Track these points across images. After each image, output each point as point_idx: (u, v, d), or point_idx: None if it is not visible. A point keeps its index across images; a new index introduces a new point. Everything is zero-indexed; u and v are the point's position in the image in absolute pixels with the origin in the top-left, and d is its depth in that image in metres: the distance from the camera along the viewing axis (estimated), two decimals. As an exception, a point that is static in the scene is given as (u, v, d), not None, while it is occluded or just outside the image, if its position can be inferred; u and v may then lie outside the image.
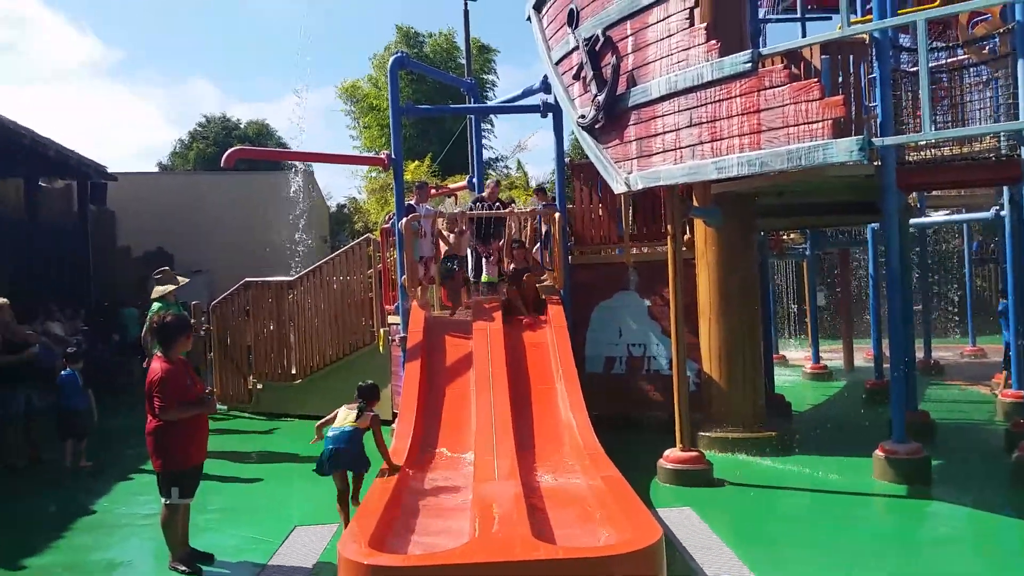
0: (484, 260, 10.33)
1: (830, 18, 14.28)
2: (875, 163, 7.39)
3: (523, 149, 33.06)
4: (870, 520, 6.56)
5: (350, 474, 6.07)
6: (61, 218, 19.97)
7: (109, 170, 21.09)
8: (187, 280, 9.37)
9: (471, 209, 10.54)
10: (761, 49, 6.61)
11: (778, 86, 6.32)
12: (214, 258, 23.29)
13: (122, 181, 22.41)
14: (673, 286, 7.61)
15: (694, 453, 7.59)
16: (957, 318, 21.98)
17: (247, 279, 12.02)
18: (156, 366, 5.37)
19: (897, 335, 7.62)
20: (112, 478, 8.31)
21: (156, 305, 8.77)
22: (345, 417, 6.10)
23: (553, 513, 5.49)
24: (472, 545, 4.37)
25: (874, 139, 6.33)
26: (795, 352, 17.95)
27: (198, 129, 40.73)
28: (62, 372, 8.91)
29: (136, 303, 20.73)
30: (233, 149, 9.20)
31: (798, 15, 13.33)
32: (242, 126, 41.11)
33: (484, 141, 24.66)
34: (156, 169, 38.59)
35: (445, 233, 10.40)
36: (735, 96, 6.59)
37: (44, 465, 8.88)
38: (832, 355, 15.83)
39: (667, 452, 7.68)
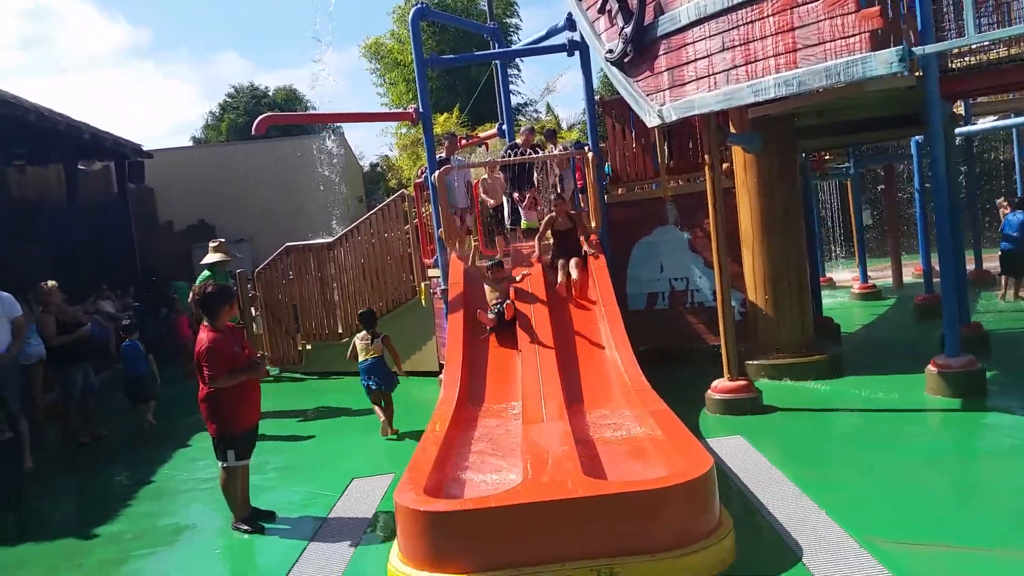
0: (520, 207, 10.22)
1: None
2: (916, 73, 7.10)
3: (552, 91, 32.61)
4: (924, 436, 6.47)
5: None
6: (102, 199, 20.36)
7: (144, 148, 21.37)
8: (239, 256, 9.57)
9: (505, 156, 10.40)
10: (791, -38, 6.30)
11: (812, 1, 6.08)
12: (254, 226, 23.60)
13: (158, 158, 22.69)
14: (714, 217, 7.47)
15: (742, 382, 7.54)
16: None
17: (288, 244, 12.15)
18: (203, 336, 5.47)
19: (946, 247, 7.40)
20: (171, 446, 8.57)
21: (205, 273, 9.17)
22: (364, 350, 8.09)
23: (603, 449, 5.52)
24: (524, 486, 4.42)
25: (914, 48, 6.03)
26: (842, 273, 17.64)
27: (227, 100, 40.93)
28: (124, 343, 9.50)
29: (184, 276, 21.21)
30: (263, 116, 9.18)
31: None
32: (271, 94, 41.20)
33: (511, 87, 24.29)
34: (190, 143, 39.03)
35: (489, 181, 10.36)
36: (768, 15, 6.36)
37: (106, 440, 9.19)
38: (880, 274, 15.53)
39: (715, 383, 7.64)
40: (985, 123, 14.15)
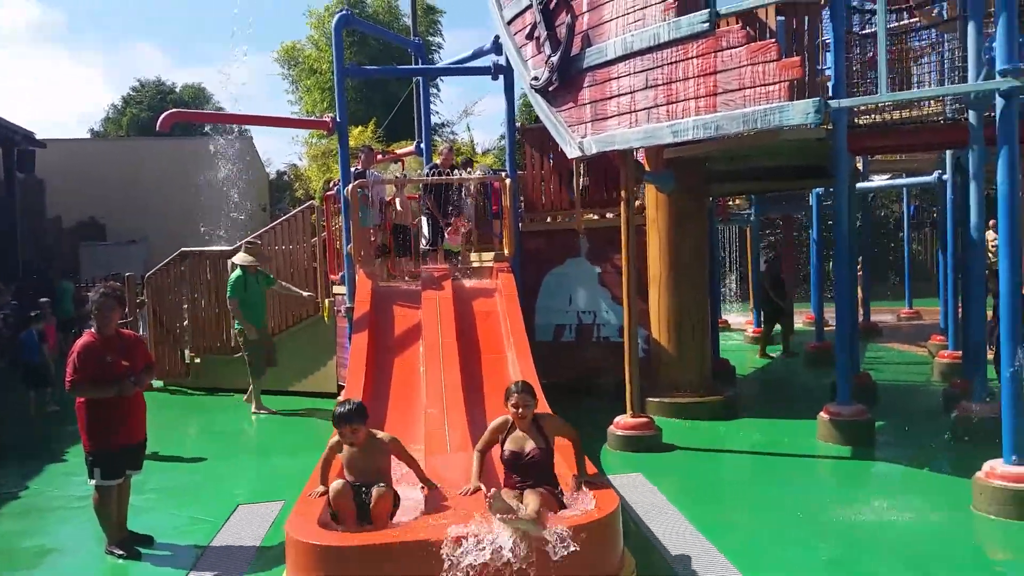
0: (444, 229, 9.95)
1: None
2: (827, 126, 7.38)
3: (470, 114, 32.63)
4: (815, 481, 6.65)
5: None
6: (-15, 187, 19.00)
7: (40, 136, 20.09)
8: (261, 258, 9.79)
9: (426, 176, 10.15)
10: (719, 8, 6.44)
11: (735, 47, 6.20)
12: (149, 226, 22.54)
13: (51, 148, 21.44)
14: (626, 252, 7.51)
15: (643, 419, 7.58)
16: (895, 281, 22.57)
17: (183, 249, 11.53)
18: (79, 340, 5.08)
19: (843, 298, 7.65)
20: (45, 458, 7.90)
21: (236, 273, 9.57)
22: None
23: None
24: (424, 521, 4.21)
25: (830, 101, 6.25)
26: (736, 317, 18.18)
27: (132, 94, 39.17)
28: (22, 333, 10.42)
29: (68, 275, 19.92)
30: (169, 112, 8.71)
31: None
32: (178, 90, 39.67)
33: (430, 106, 24.20)
34: (88, 136, 37.03)
35: (398, 197, 10.11)
36: (692, 57, 6.44)
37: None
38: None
39: (617, 419, 7.65)
40: (880, 180, 14.94)
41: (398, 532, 4.12)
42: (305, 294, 10.09)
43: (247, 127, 29.11)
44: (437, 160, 10.35)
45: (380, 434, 4.81)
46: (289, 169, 32.54)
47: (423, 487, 4.81)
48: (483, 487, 4.66)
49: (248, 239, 9.91)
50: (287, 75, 31.62)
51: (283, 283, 10.09)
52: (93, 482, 5.15)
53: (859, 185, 12.72)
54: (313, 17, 29.57)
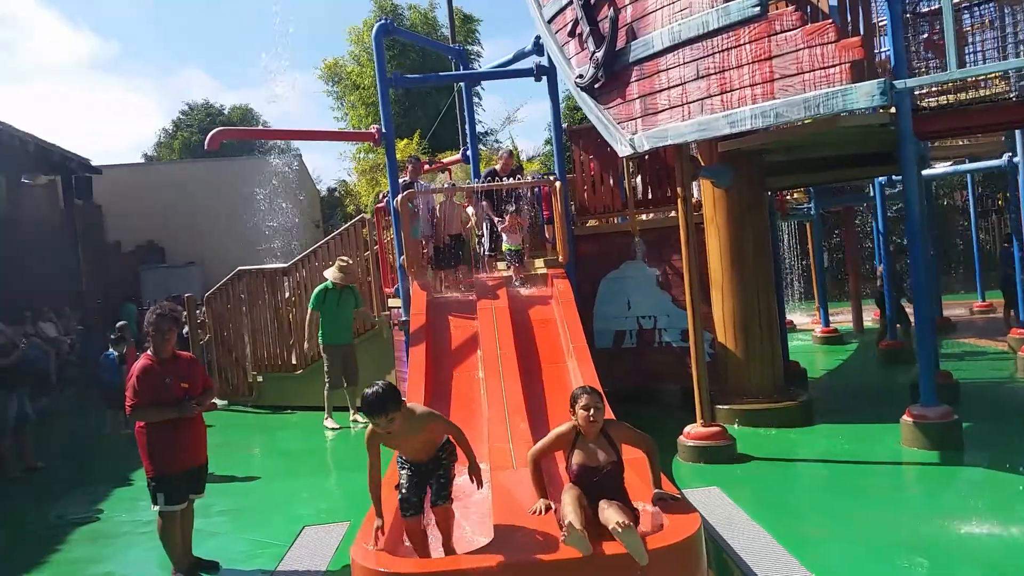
0: (500, 228, 9.67)
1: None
2: (890, 110, 7.02)
3: (513, 121, 32.53)
4: (905, 491, 6.28)
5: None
6: (46, 214, 19.49)
7: (95, 163, 20.59)
8: (341, 275, 9.71)
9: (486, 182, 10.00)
10: (767, -8, 6.16)
11: (790, 30, 5.93)
12: (205, 248, 22.95)
13: (107, 174, 21.93)
14: (686, 252, 7.24)
15: (716, 428, 7.26)
16: (962, 272, 21.69)
17: (240, 268, 11.62)
18: (135, 363, 5.06)
19: (921, 292, 7.25)
20: (115, 482, 7.98)
21: (320, 286, 9.71)
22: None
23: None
24: (494, 545, 4.03)
25: (896, 82, 5.91)
26: (801, 316, 17.63)
27: (181, 117, 40.15)
28: (104, 353, 10.70)
29: (131, 298, 20.40)
30: (216, 130, 8.74)
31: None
32: (226, 112, 40.50)
33: (475, 120, 24.16)
34: (141, 160, 38.04)
35: (447, 205, 9.98)
36: (744, 43, 6.19)
37: (44, 472, 8.55)
38: (838, 317, 15.49)
39: (687, 428, 7.34)
40: (943, 167, 14.33)
41: (471, 560, 3.94)
42: (375, 317, 10.14)
43: (296, 146, 29.54)
44: (496, 166, 10.15)
45: (417, 409, 4.44)
46: (339, 185, 32.91)
47: (473, 477, 4.48)
48: (553, 504, 4.46)
49: (342, 257, 9.93)
50: (331, 91, 32.00)
51: (366, 312, 10.15)
52: (156, 508, 5.12)
53: (922, 173, 12.19)
54: (352, 33, 29.86)
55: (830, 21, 5.81)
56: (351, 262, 10.01)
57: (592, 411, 4.32)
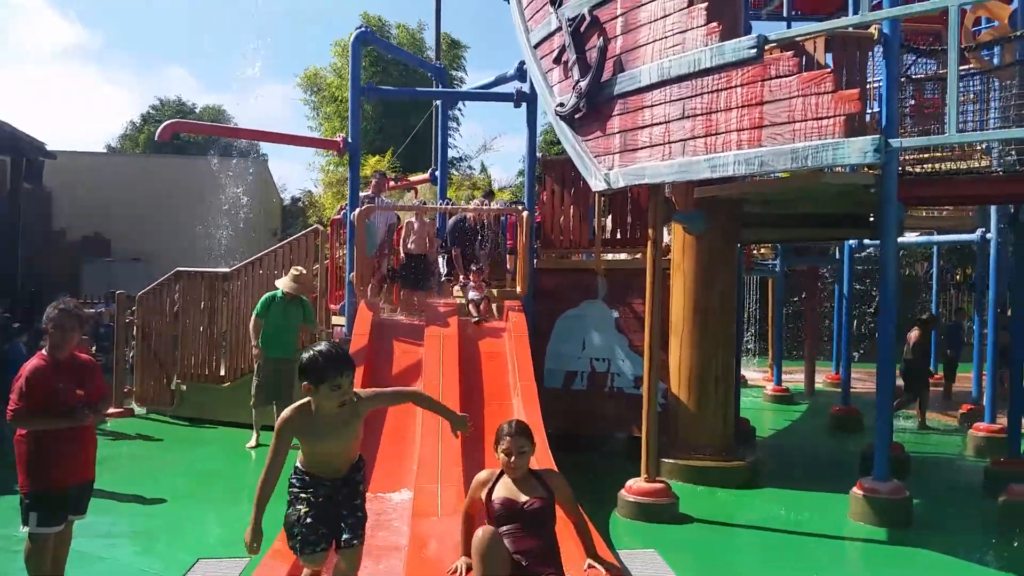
0: (466, 284, 9.37)
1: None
2: (875, 172, 6.74)
3: (488, 150, 32.28)
4: (850, 568, 5.91)
5: None
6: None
7: (48, 147, 19.72)
8: (293, 285, 9.02)
9: (449, 219, 9.61)
10: (768, 34, 5.85)
11: (786, 76, 5.59)
12: (154, 245, 22.02)
13: (62, 159, 21.06)
14: (651, 296, 6.81)
15: (659, 485, 6.78)
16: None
17: (178, 268, 10.92)
18: (26, 363, 4.39)
19: (887, 362, 6.90)
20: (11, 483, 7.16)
21: (269, 293, 9.11)
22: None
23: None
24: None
25: (892, 140, 5.60)
26: (752, 372, 17.36)
27: (151, 112, 39.15)
28: (7, 346, 9.76)
29: (69, 292, 19.37)
30: (169, 122, 8.17)
31: (785, 16, 12.71)
32: (198, 110, 39.62)
33: (448, 139, 23.79)
34: (103, 151, 36.91)
35: (415, 224, 9.49)
36: (736, 86, 5.84)
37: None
38: (789, 377, 15.22)
39: (630, 483, 6.85)
40: (912, 236, 14.24)
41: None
42: (321, 332, 9.53)
43: (264, 152, 28.79)
44: (468, 214, 9.72)
45: (361, 392, 3.77)
46: (304, 196, 32.22)
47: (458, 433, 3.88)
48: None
49: (297, 267, 9.33)
50: (309, 100, 31.48)
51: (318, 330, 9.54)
52: (26, 529, 4.42)
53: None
54: (337, 46, 29.43)
55: (829, 70, 5.50)
56: (305, 272, 9.43)
57: (513, 456, 3.77)
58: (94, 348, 12.61)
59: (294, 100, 46.76)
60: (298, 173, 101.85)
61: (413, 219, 9.56)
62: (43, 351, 4.51)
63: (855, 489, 6.76)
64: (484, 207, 9.85)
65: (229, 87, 72.46)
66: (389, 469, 6.24)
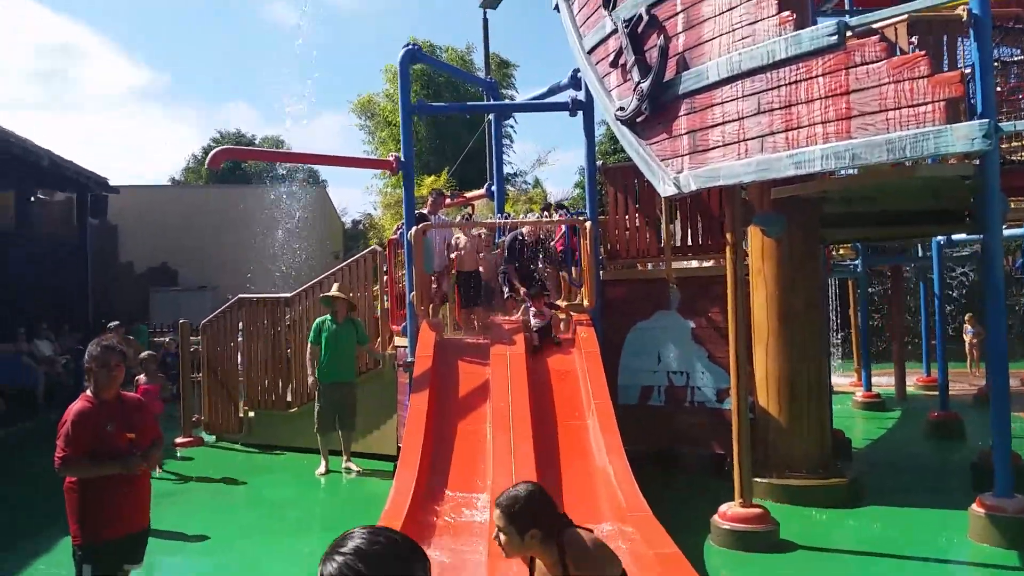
0: (527, 307, 8.66)
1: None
2: (973, 162, 6.17)
3: (543, 164, 31.98)
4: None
5: None
6: (58, 232, 19.02)
7: (111, 183, 20.17)
8: (338, 295, 9.04)
9: (510, 250, 9.13)
10: (847, 19, 5.38)
11: (873, 62, 5.11)
12: (220, 274, 22.35)
13: (125, 195, 21.53)
14: (733, 303, 6.34)
15: (757, 511, 6.26)
16: (1013, 340, 20.48)
17: (241, 295, 10.86)
18: (71, 405, 4.16)
19: (999, 364, 6.30)
20: (60, 533, 7.04)
21: (320, 318, 9.03)
22: None
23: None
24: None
25: (1004, 124, 5.05)
26: (838, 378, 16.50)
27: (212, 144, 40.05)
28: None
29: (143, 320, 19.76)
30: (218, 149, 8.08)
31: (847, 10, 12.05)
32: (257, 141, 40.44)
33: (503, 155, 23.55)
34: (168, 183, 37.94)
35: (463, 240, 9.13)
36: (816, 75, 5.37)
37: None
38: (876, 380, 14.34)
39: (723, 508, 6.35)
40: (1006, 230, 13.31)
41: None
42: (380, 355, 9.30)
43: (323, 178, 29.06)
44: (524, 230, 9.27)
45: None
46: (364, 218, 32.44)
47: None
48: None
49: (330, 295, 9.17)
50: (364, 126, 31.69)
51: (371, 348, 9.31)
52: None
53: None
54: (389, 72, 29.58)
55: (923, 53, 4.99)
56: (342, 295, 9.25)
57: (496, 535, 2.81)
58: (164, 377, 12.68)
59: (349, 127, 47.29)
60: (358, 197, 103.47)
61: (460, 235, 9.24)
62: (87, 392, 4.28)
63: (974, 507, 6.15)
64: (544, 219, 9.47)
65: (287, 118, 74.22)
66: (463, 505, 5.90)
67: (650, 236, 9.14)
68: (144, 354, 9.58)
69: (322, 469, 8.84)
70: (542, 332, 8.40)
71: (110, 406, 4.17)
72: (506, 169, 28.80)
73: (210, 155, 7.70)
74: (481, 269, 9.23)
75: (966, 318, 17.19)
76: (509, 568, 4.41)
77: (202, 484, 8.80)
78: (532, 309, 8.46)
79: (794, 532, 6.31)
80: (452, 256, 9.16)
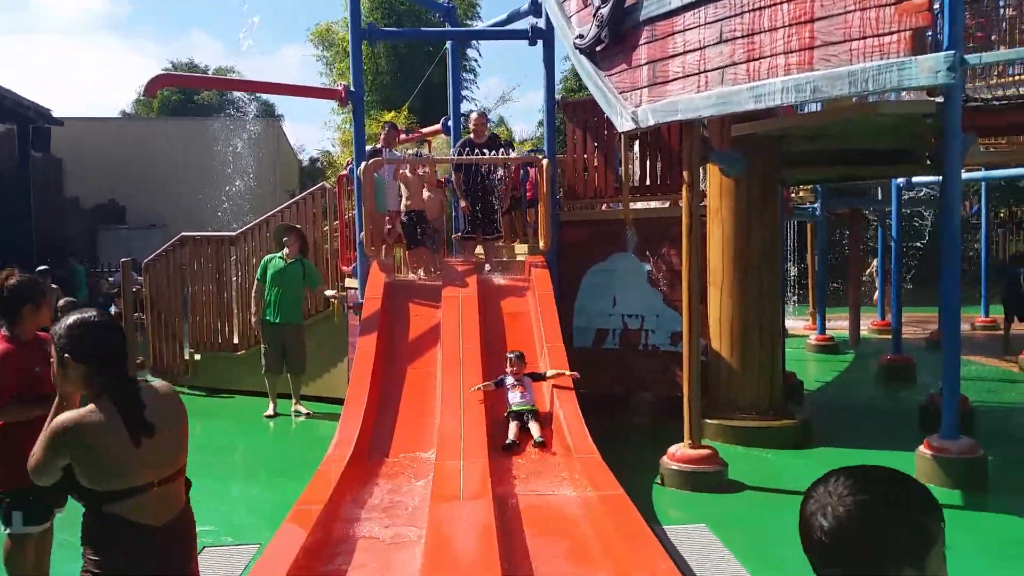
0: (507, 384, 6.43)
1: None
2: (936, 99, 6.01)
3: (507, 101, 31.35)
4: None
5: None
6: (-1, 165, 18.21)
7: (55, 114, 19.28)
8: (286, 239, 8.71)
9: (458, 155, 8.77)
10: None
11: (839, -13, 4.84)
12: (170, 211, 21.61)
13: (70, 127, 20.61)
14: (688, 245, 6.17)
15: (706, 451, 6.22)
16: (963, 286, 20.81)
17: (183, 234, 10.43)
18: None
19: (952, 308, 6.23)
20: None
21: (267, 256, 8.77)
22: None
23: (534, 543, 4.12)
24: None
25: (969, 56, 4.86)
26: (792, 322, 16.63)
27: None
28: None
29: (85, 260, 19.10)
30: (156, 75, 7.61)
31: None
32: (210, 72, 38.92)
33: (464, 93, 22.92)
34: (118, 116, 36.49)
35: (410, 177, 8.75)
36: (781, 2, 5.10)
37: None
38: (830, 325, 14.46)
39: (673, 449, 6.31)
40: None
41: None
42: (331, 296, 9.00)
43: (279, 113, 28.14)
44: (471, 134, 8.90)
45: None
46: (322, 155, 31.59)
47: None
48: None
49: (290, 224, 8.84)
50: (322, 57, 30.59)
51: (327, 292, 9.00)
52: (8, 530, 3.96)
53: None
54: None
55: (889, -24, 4.74)
56: (296, 226, 8.97)
57: None
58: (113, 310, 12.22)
59: (308, 57, 45.68)
60: (316, 134, 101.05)
61: (407, 172, 8.87)
62: (2, 331, 3.99)
63: (922, 448, 6.19)
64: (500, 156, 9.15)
65: (243, 44, 71.59)
66: (410, 447, 5.74)
67: (609, 176, 8.90)
68: (61, 301, 9.17)
69: (270, 411, 8.63)
70: (521, 419, 6.02)
71: (31, 346, 3.89)
72: (469, 106, 28.11)
73: (147, 82, 7.22)
74: (426, 209, 8.89)
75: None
76: (453, 504, 4.29)
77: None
78: (510, 380, 6.33)
79: (742, 472, 6.31)
80: (405, 196, 8.82)
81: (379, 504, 4.66)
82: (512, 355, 6.51)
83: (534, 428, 5.90)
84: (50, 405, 3.78)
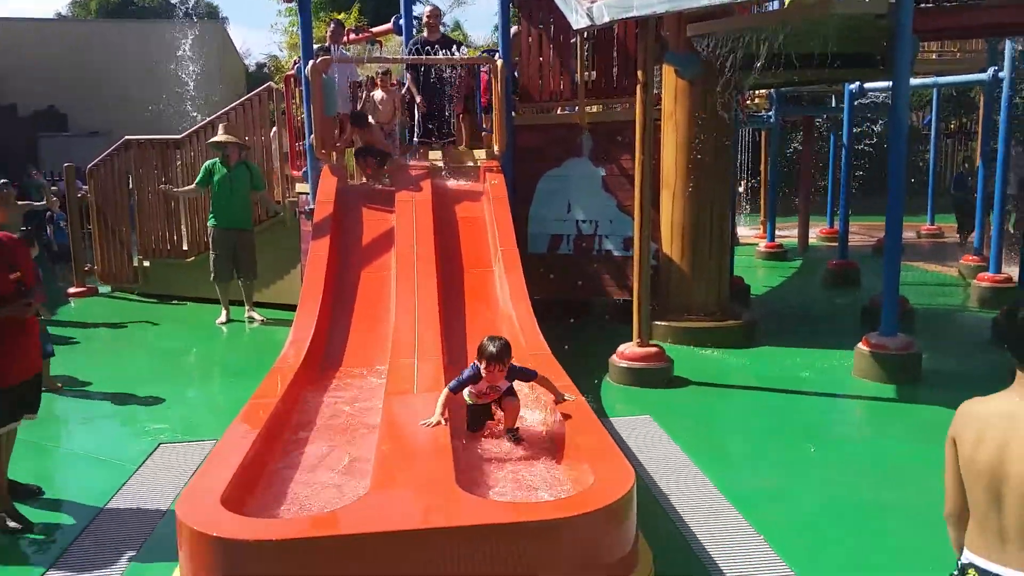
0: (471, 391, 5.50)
1: None
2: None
3: (463, 3, 30.38)
4: (858, 429, 5.63)
5: None
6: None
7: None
8: (225, 136, 8.50)
9: (409, 54, 8.51)
10: None
11: None
12: (112, 117, 20.79)
13: (3, 29, 19.45)
14: (641, 148, 6.19)
15: (652, 349, 6.43)
16: (910, 195, 21.24)
17: (127, 137, 10.08)
18: None
19: (896, 213, 6.42)
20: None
21: (209, 161, 8.59)
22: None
23: (485, 441, 4.24)
24: (369, 501, 3.07)
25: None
26: (744, 229, 16.90)
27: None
28: None
29: (34, 170, 18.36)
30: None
31: None
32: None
33: (418, -4, 22.03)
34: (52, 18, 34.52)
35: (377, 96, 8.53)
36: None
37: None
38: (781, 233, 14.76)
39: (621, 348, 6.51)
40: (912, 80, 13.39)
41: (318, 522, 3.00)
42: (277, 205, 8.86)
43: (223, 15, 26.87)
44: (424, 32, 8.63)
45: None
46: (269, 60, 30.42)
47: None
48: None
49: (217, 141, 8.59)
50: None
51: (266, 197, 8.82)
52: None
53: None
54: None
55: None
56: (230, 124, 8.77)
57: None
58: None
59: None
60: (263, 37, 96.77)
61: (376, 94, 8.64)
62: None
63: (860, 345, 6.51)
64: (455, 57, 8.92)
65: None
66: (365, 352, 5.79)
67: (564, 77, 8.77)
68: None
69: (223, 318, 8.60)
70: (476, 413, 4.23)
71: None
72: (422, 8, 27.23)
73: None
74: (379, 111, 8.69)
75: None
76: (407, 396, 4.38)
77: (98, 332, 8.49)
78: (484, 385, 4.14)
79: (688, 369, 6.56)
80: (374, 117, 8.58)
81: (332, 408, 4.73)
82: (492, 347, 4.06)
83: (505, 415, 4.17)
84: (13, 309, 3.78)
